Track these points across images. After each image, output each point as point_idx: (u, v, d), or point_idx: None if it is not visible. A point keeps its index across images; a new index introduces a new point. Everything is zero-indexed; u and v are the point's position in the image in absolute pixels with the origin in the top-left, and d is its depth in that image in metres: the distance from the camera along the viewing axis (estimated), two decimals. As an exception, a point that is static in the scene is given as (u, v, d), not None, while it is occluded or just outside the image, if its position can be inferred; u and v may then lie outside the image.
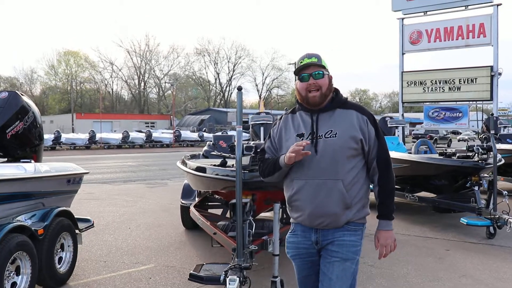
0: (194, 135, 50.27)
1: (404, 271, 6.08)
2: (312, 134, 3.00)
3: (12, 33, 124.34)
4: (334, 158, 2.93)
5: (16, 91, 6.42)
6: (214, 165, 6.12)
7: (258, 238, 4.99)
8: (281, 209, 4.95)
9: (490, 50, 18.56)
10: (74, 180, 6.53)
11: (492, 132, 7.42)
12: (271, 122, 9.95)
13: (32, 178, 5.45)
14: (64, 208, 5.84)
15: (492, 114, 7.69)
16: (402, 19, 20.15)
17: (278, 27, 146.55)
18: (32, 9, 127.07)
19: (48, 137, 41.99)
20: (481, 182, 7.76)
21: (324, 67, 3.06)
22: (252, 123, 9.75)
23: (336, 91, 3.12)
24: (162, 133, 51.09)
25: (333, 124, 2.99)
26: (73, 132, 54.22)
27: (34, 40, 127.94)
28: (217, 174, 5.54)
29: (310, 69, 3.04)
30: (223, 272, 3.93)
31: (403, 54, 20.18)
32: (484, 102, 19.70)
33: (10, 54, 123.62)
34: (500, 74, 18.31)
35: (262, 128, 9.42)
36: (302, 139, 2.99)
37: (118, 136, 45.84)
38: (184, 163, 6.92)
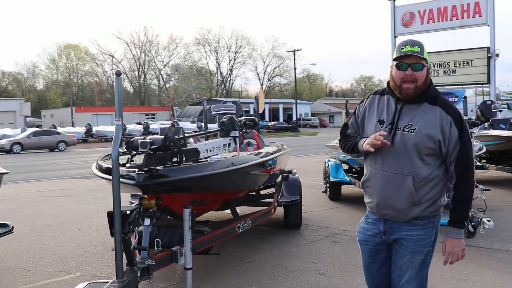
0: (193, 126, 49.50)
1: (357, 281, 5.23)
2: (392, 124, 2.94)
3: (12, 28, 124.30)
4: (408, 153, 2.88)
5: None
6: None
7: (165, 249, 4.19)
8: (191, 215, 4.12)
9: (487, 30, 17.65)
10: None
11: (467, 117, 6.45)
12: (235, 112, 9.24)
13: None
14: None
15: (466, 97, 6.76)
16: (394, 0, 19.20)
17: (278, 14, 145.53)
18: (31, 2, 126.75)
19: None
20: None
21: (425, 59, 2.91)
22: (214, 112, 9.08)
23: (430, 83, 2.98)
24: (161, 125, 50.33)
25: (414, 118, 2.91)
26: (72, 125, 53.77)
27: (34, 34, 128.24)
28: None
29: (410, 59, 2.88)
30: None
31: (395, 37, 19.30)
32: (480, 85, 18.84)
33: (11, 49, 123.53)
34: (497, 55, 17.38)
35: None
36: (382, 127, 2.95)
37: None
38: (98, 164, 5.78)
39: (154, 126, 48.71)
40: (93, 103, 71.16)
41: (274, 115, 73.95)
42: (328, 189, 10.63)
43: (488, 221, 6.20)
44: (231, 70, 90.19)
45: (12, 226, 6.06)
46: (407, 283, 3.02)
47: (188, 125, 50.07)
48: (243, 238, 6.95)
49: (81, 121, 55.22)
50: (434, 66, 18.29)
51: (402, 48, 2.90)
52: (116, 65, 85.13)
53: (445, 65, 18.04)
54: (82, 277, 5.66)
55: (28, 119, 64.30)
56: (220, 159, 4.70)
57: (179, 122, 49.60)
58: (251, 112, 65.54)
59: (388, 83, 3.07)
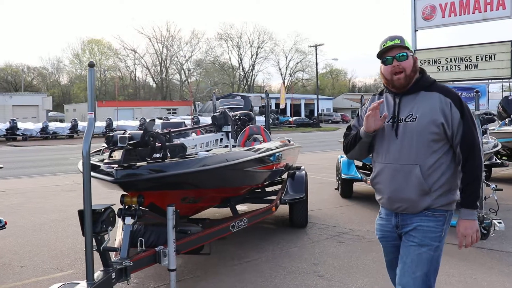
0: (214, 121, 49.44)
1: (357, 285, 4.95)
2: (393, 117, 2.97)
3: (36, 23, 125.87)
4: (413, 142, 2.88)
5: None
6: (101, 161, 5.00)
7: (148, 249, 3.97)
8: (175, 214, 3.88)
9: (510, 23, 17.07)
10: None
11: (477, 113, 6.05)
12: (242, 106, 9.10)
13: None
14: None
15: (478, 91, 6.36)
16: (414, -7, 18.66)
17: (300, 9, 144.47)
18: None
19: (65, 125, 42.76)
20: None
21: (407, 48, 2.98)
22: (221, 107, 8.97)
23: (422, 72, 3.04)
24: (181, 119, 50.47)
25: (414, 107, 2.93)
26: (94, 120, 54.09)
27: (58, 29, 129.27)
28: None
29: (393, 52, 2.98)
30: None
31: (415, 31, 18.77)
32: (507, 80, 18.26)
33: (35, 44, 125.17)
34: (522, 49, 16.75)
35: (233, 112, 8.55)
36: (385, 122, 2.97)
37: (135, 123, 45.57)
38: None
39: (174, 120, 48.92)
40: (115, 98, 71.89)
41: (295, 110, 73.48)
42: (340, 186, 10.34)
43: (499, 222, 5.81)
44: (253, 65, 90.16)
45: (5, 221, 5.93)
46: (411, 284, 2.89)
47: (208, 120, 50.01)
48: (244, 237, 6.74)
49: (103, 116, 55.52)
50: (455, 61, 17.76)
51: (384, 45, 2.99)
52: (138, 60, 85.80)
53: (467, 59, 17.46)
54: (73, 275, 5.51)
55: (50, 113, 65.02)
56: (207, 155, 4.44)
57: (200, 117, 49.61)
58: (273, 107, 65.25)
59: (384, 83, 3.12)
